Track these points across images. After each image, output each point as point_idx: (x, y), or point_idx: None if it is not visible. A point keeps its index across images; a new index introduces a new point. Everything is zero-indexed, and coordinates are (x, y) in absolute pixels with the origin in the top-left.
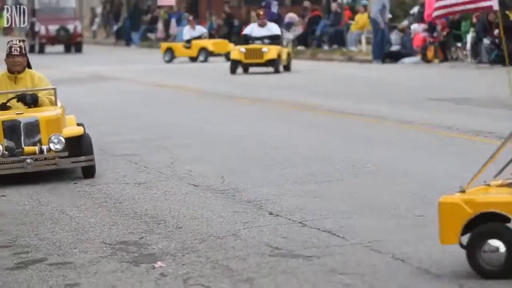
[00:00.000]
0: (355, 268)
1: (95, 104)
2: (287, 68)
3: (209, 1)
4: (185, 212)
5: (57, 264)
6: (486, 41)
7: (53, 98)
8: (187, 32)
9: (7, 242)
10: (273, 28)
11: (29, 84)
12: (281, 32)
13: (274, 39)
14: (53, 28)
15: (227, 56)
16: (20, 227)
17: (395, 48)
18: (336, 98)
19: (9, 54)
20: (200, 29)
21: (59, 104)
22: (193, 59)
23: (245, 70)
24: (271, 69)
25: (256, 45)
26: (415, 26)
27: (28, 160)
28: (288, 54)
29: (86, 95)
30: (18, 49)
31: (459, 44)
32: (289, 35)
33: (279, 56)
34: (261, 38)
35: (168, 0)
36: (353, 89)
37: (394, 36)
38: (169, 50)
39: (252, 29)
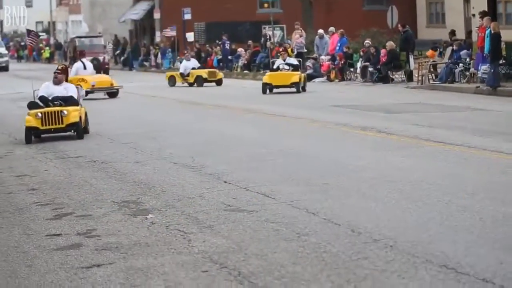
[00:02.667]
0: (282, 219)
1: (109, 109)
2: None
3: (184, 41)
4: (167, 181)
5: (81, 216)
6: (370, 67)
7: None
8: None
9: (47, 201)
10: (293, 61)
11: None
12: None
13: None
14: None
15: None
16: (56, 191)
17: (309, 71)
18: (273, 105)
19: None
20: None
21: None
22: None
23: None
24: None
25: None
26: (322, 57)
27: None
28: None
29: (103, 102)
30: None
31: (351, 69)
32: (239, 63)
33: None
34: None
35: (170, 32)
36: (281, 99)
37: (309, 63)
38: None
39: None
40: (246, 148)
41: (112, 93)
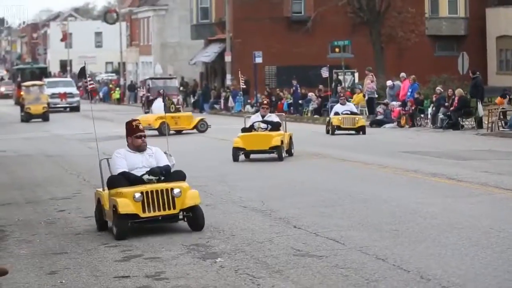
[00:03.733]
0: (351, 264)
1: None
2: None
3: (256, 84)
4: (237, 225)
5: (150, 258)
6: (440, 114)
7: None
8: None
9: (116, 243)
10: (273, 117)
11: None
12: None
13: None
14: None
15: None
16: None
17: (380, 117)
18: (343, 149)
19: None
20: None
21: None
22: None
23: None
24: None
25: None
26: (393, 103)
27: None
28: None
29: (176, 143)
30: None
31: (422, 115)
32: (310, 107)
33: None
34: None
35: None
36: (350, 142)
37: (380, 109)
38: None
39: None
40: (316, 193)
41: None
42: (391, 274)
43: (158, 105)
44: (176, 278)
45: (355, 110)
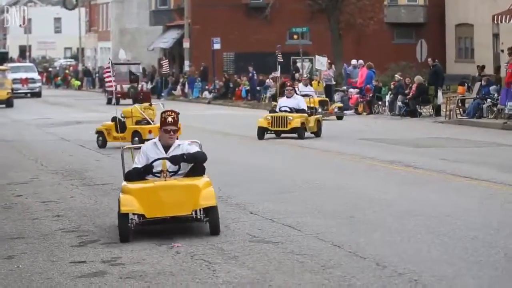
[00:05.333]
0: (307, 251)
1: None
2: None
3: (214, 71)
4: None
5: (107, 243)
6: (398, 101)
7: None
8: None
9: (73, 228)
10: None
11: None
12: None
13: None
14: (126, 86)
15: None
16: (82, 218)
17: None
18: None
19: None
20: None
21: None
22: None
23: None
24: None
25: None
26: (351, 90)
27: None
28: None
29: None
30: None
31: (380, 102)
32: (267, 94)
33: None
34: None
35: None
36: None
37: (337, 96)
38: None
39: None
40: (273, 179)
41: None
42: (347, 261)
43: None
44: (132, 264)
45: (302, 104)
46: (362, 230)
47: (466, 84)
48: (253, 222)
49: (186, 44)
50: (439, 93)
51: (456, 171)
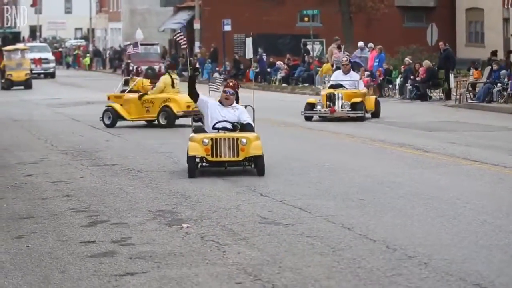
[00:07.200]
0: (317, 233)
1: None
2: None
3: (224, 52)
4: (203, 192)
5: (116, 224)
6: (408, 85)
7: None
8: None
9: (83, 208)
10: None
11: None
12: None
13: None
14: (143, 67)
15: None
16: (92, 198)
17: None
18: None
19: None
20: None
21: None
22: None
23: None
24: None
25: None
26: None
27: None
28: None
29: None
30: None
31: (390, 86)
32: (278, 76)
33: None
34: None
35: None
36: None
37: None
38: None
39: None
40: (283, 161)
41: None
42: (357, 243)
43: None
44: (142, 244)
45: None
46: (372, 212)
47: (476, 69)
48: (263, 204)
49: (196, 26)
50: (451, 77)
51: (466, 155)
